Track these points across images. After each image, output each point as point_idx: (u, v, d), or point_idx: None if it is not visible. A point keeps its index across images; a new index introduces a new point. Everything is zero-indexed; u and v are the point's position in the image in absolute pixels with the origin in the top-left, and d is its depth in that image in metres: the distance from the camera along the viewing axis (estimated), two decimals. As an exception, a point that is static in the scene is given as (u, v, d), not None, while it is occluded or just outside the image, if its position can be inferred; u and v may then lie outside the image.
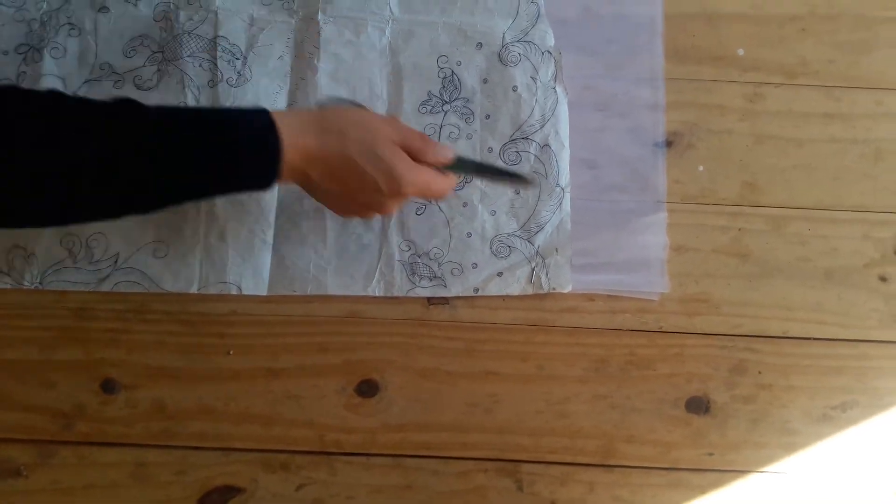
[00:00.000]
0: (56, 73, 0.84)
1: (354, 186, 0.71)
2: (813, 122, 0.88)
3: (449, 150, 0.76)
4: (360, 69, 0.87)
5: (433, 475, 0.80)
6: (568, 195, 0.85)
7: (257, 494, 0.79)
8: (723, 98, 0.88)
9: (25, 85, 0.83)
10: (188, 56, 0.85)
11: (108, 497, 0.79)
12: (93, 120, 0.62)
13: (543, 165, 0.86)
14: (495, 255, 0.84)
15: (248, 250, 0.82)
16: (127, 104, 0.64)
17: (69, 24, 0.85)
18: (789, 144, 0.88)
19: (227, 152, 0.66)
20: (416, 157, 0.73)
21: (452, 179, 0.77)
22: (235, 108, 0.69)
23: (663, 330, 0.83)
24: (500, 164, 0.85)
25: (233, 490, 0.79)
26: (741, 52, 0.89)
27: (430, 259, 0.84)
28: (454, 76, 0.87)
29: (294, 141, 0.67)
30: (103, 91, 0.84)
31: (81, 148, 0.60)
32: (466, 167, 0.80)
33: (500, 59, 0.87)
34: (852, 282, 0.85)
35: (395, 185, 0.71)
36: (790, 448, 0.82)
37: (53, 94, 0.62)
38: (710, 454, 0.81)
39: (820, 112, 0.88)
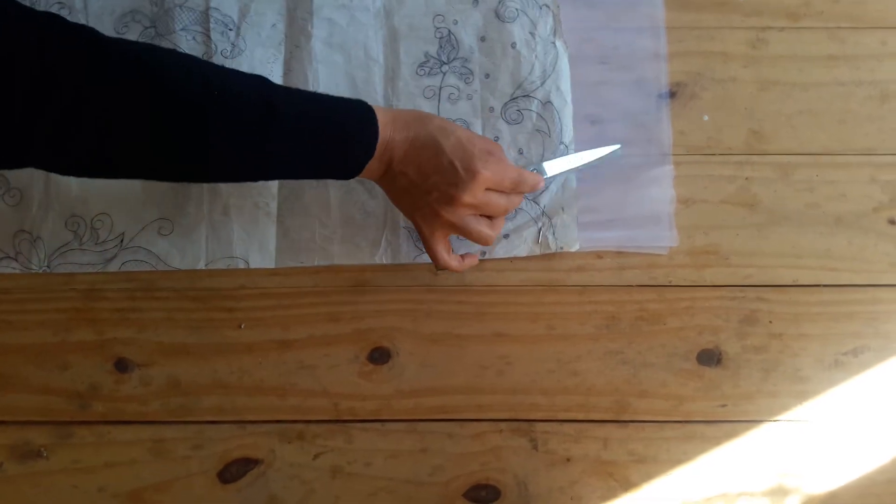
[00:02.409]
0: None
1: (431, 167, 0.72)
2: (817, 66, 0.87)
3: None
4: (354, 33, 0.85)
5: (448, 438, 0.81)
6: (572, 152, 0.85)
7: (275, 465, 0.80)
8: (725, 45, 0.87)
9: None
10: (181, 30, 0.84)
11: (128, 474, 0.80)
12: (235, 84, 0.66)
13: (546, 123, 0.85)
14: (501, 216, 0.83)
15: (253, 224, 0.82)
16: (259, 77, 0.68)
17: (59, 3, 0.84)
18: (794, 89, 0.86)
19: (335, 134, 0.69)
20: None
21: (535, 175, 0.78)
22: (330, 96, 0.72)
23: (673, 284, 0.83)
24: (580, 151, 0.84)
25: (251, 462, 0.80)
26: (743, -4, 0.88)
27: (436, 224, 0.83)
28: (451, 35, 0.86)
29: (385, 124, 0.71)
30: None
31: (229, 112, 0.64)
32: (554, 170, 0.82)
33: (498, 16, 0.86)
34: (862, 226, 0.84)
35: (471, 165, 0.71)
36: (803, 396, 0.82)
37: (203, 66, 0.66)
38: (723, 405, 0.82)
39: (824, 54, 0.87)
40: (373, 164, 0.71)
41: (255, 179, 0.74)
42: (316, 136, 0.68)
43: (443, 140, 0.72)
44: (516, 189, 0.76)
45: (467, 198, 0.72)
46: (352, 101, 0.71)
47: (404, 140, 0.71)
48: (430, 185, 0.72)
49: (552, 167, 0.81)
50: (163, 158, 0.64)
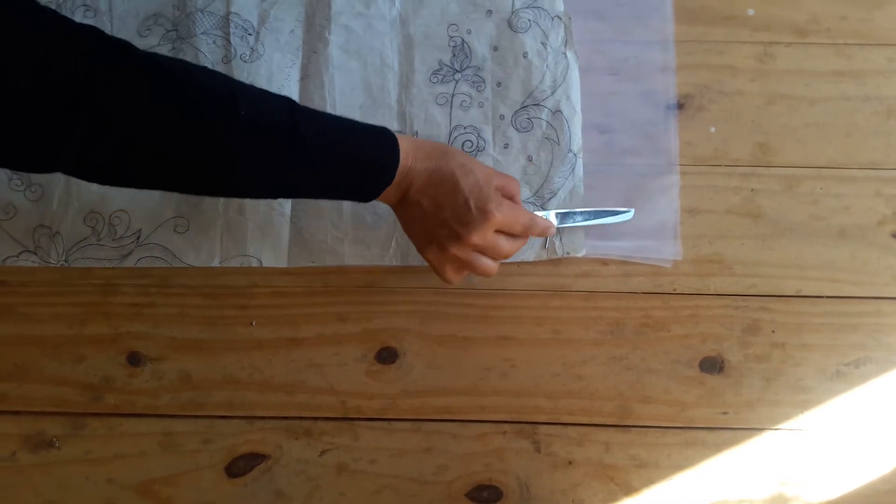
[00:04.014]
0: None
1: (446, 202, 0.73)
2: (824, 81, 0.88)
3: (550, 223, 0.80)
4: (370, 40, 0.87)
5: (452, 438, 0.82)
6: (580, 161, 0.86)
7: (282, 461, 0.82)
8: (733, 59, 0.88)
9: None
10: (202, 33, 0.86)
11: (138, 466, 0.82)
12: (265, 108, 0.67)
13: (555, 131, 0.86)
14: (509, 222, 0.85)
15: (267, 223, 0.84)
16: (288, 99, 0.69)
17: (84, 5, 0.86)
18: (801, 103, 0.88)
19: (356, 159, 0.70)
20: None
21: (546, 221, 0.79)
22: (355, 121, 0.73)
23: (677, 292, 0.84)
24: (590, 208, 0.85)
25: (258, 457, 0.82)
26: (751, 11, 0.89)
27: (445, 227, 0.85)
28: (464, 44, 0.88)
29: (406, 152, 0.72)
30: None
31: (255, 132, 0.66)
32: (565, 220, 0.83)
33: (510, 26, 0.88)
34: (865, 239, 0.85)
35: (485, 207, 0.72)
36: (804, 405, 0.83)
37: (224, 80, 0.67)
38: (725, 413, 0.82)
39: (831, 70, 0.88)
40: (390, 191, 0.73)
41: (275, 197, 0.77)
42: (338, 161, 0.69)
43: (461, 177, 0.73)
44: (525, 233, 0.77)
45: (476, 238, 0.73)
46: (375, 127, 0.73)
47: (424, 171, 0.73)
48: (441, 219, 0.73)
49: (563, 219, 0.83)
50: (187, 175, 0.66)
